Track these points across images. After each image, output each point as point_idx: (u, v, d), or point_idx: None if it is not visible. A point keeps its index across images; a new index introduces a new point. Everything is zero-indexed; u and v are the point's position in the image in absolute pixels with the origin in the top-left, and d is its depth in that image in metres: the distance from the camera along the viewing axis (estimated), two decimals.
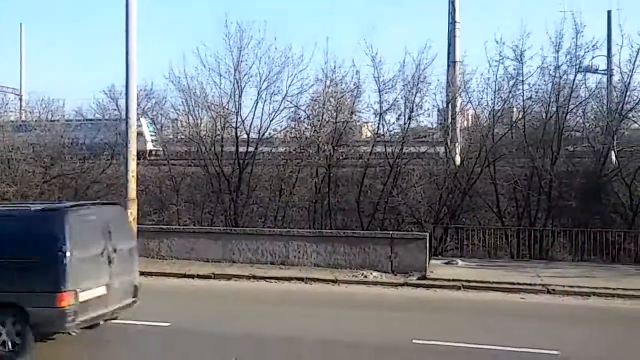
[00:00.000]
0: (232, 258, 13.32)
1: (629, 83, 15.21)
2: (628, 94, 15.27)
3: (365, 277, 12.14)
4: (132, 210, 13.21)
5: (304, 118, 17.10)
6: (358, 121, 16.70)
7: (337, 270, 12.50)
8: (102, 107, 20.47)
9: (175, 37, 59.04)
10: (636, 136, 15.99)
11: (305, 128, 16.49)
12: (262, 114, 16.98)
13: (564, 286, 10.90)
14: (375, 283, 11.83)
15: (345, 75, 16.56)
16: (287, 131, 17.24)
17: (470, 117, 18.21)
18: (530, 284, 11.13)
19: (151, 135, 21.50)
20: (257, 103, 16.91)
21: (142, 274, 12.54)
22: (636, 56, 14.90)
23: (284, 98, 16.77)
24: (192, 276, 12.36)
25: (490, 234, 15.25)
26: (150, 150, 21.16)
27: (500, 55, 15.91)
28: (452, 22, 20.53)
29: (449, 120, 17.13)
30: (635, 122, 15.73)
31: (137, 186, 13.54)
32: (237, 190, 16.93)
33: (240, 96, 16.98)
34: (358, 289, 11.45)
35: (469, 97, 16.86)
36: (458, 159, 16.91)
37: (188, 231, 14.42)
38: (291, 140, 16.80)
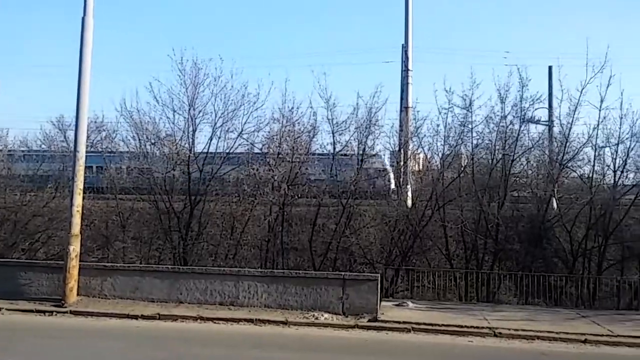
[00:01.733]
0: (180, 298, 12.86)
1: (568, 135, 16.18)
2: (567, 144, 16.21)
3: (317, 318, 11.96)
4: (75, 247, 12.67)
5: (260, 156, 17.09)
6: (313, 161, 16.87)
7: (288, 312, 12.28)
8: (49, 139, 19.78)
9: (128, 69, 58.38)
10: (575, 185, 16.86)
11: (260, 166, 16.47)
12: (216, 151, 16.90)
13: (509, 329, 11.07)
14: (326, 325, 11.64)
15: (302, 116, 16.87)
16: (241, 169, 17.13)
17: (421, 161, 18.73)
18: (477, 327, 11.25)
19: None
20: (211, 140, 16.90)
21: (82, 314, 12.03)
22: (574, 110, 15.94)
23: (239, 135, 16.83)
24: (135, 317, 11.79)
25: (439, 276, 15.48)
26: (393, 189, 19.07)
27: (450, 104, 16.69)
28: (405, 70, 21.53)
29: (402, 163, 17.57)
30: (573, 171, 16.63)
31: (81, 221, 13.05)
32: (187, 228, 16.56)
33: (194, 132, 16.92)
34: (309, 331, 11.23)
35: (420, 142, 17.44)
36: (410, 202, 17.26)
37: (133, 269, 13.83)
38: (245, 178, 16.69)
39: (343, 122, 16.54)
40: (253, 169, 16.35)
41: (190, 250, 16.59)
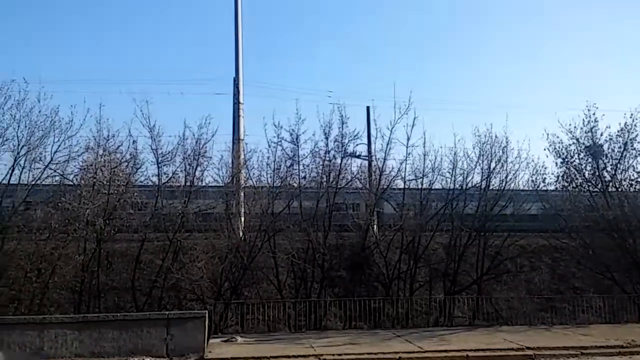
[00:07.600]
0: None
1: (383, 169, 17.76)
2: (382, 177, 17.74)
3: None
4: None
5: (72, 188, 15.45)
6: (135, 193, 15.75)
7: None
8: None
9: None
10: (388, 214, 18.43)
11: (73, 199, 14.86)
12: (19, 182, 14.88)
13: (333, 355, 11.49)
14: None
15: (120, 145, 15.81)
16: (50, 202, 15.26)
17: (252, 193, 18.79)
18: (304, 356, 11.45)
19: None
20: (12, 170, 14.85)
21: None
22: (387, 147, 17.58)
23: (47, 166, 15.06)
24: None
25: (270, 307, 15.49)
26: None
27: (279, 138, 17.27)
28: (236, 103, 21.71)
29: (233, 195, 17.42)
30: (388, 202, 18.18)
31: None
32: None
33: None
34: None
35: (250, 174, 17.56)
36: (241, 233, 17.13)
37: None
38: (55, 213, 14.89)
39: (169, 152, 15.94)
40: (63, 202, 14.66)
41: None
